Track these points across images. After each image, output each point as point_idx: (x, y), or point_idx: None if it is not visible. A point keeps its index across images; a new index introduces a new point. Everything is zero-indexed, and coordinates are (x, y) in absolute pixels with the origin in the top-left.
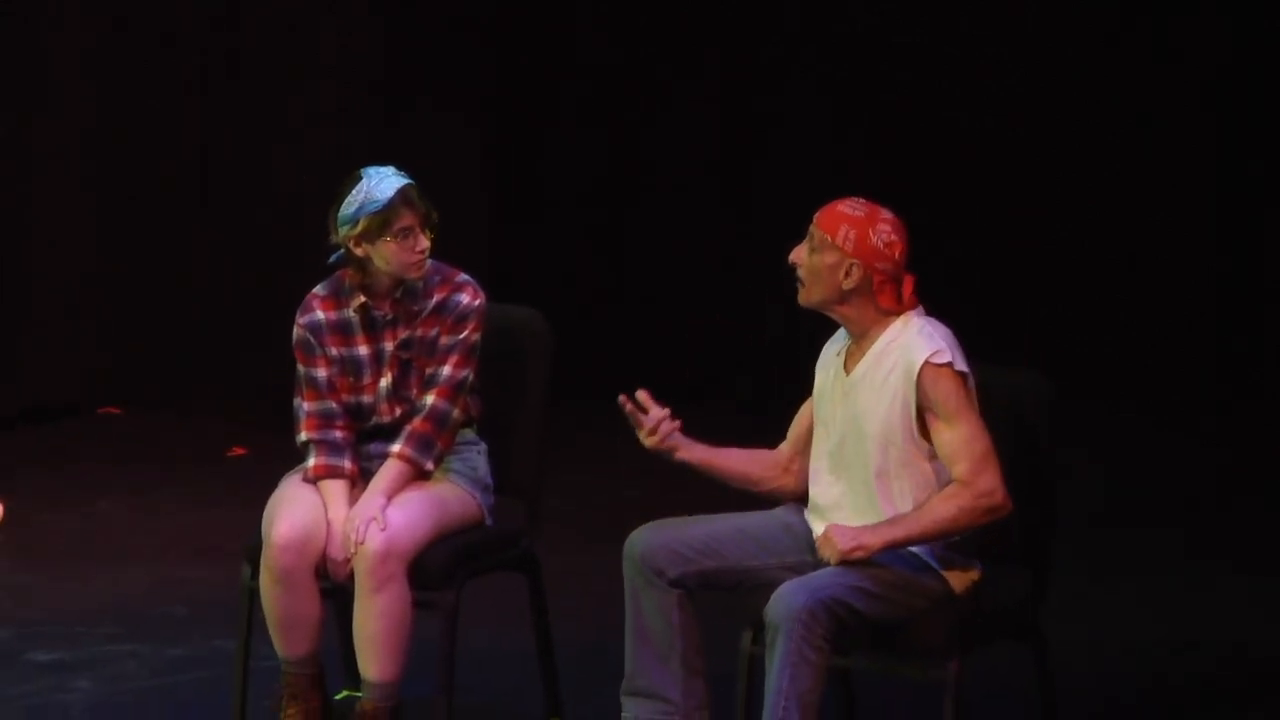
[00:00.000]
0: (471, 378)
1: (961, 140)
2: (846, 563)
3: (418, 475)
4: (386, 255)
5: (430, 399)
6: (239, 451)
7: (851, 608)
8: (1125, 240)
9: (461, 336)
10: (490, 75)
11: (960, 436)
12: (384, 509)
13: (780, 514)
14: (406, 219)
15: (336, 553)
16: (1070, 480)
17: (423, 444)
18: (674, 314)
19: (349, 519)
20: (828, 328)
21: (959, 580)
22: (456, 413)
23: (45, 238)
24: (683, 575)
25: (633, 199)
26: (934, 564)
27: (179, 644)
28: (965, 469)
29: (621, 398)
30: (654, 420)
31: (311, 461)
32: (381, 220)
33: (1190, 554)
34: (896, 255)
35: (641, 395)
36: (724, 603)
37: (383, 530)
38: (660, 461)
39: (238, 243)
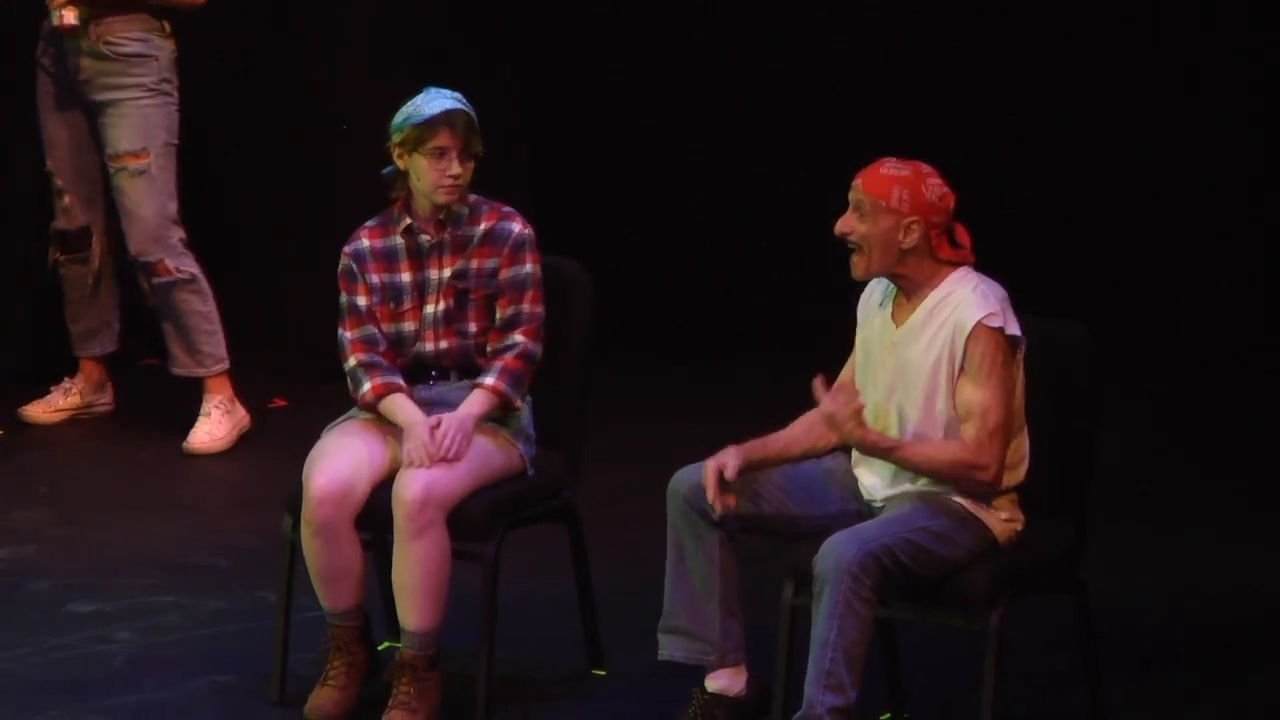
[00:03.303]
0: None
1: (1002, 94)
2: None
3: (504, 409)
4: (419, 170)
5: (518, 338)
6: (280, 403)
7: (898, 559)
8: (1169, 189)
9: (529, 270)
10: (522, 28)
11: (980, 400)
12: (476, 423)
13: (825, 462)
14: (443, 139)
15: (420, 455)
16: (1113, 431)
17: (516, 380)
18: (716, 262)
19: (443, 427)
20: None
21: (1003, 531)
22: (540, 350)
23: None
24: (724, 516)
25: (674, 149)
26: (979, 515)
27: (220, 595)
28: (974, 435)
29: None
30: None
31: (366, 385)
32: (419, 134)
33: (1233, 503)
34: (951, 205)
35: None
36: (759, 551)
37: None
38: (702, 412)
39: (278, 198)
